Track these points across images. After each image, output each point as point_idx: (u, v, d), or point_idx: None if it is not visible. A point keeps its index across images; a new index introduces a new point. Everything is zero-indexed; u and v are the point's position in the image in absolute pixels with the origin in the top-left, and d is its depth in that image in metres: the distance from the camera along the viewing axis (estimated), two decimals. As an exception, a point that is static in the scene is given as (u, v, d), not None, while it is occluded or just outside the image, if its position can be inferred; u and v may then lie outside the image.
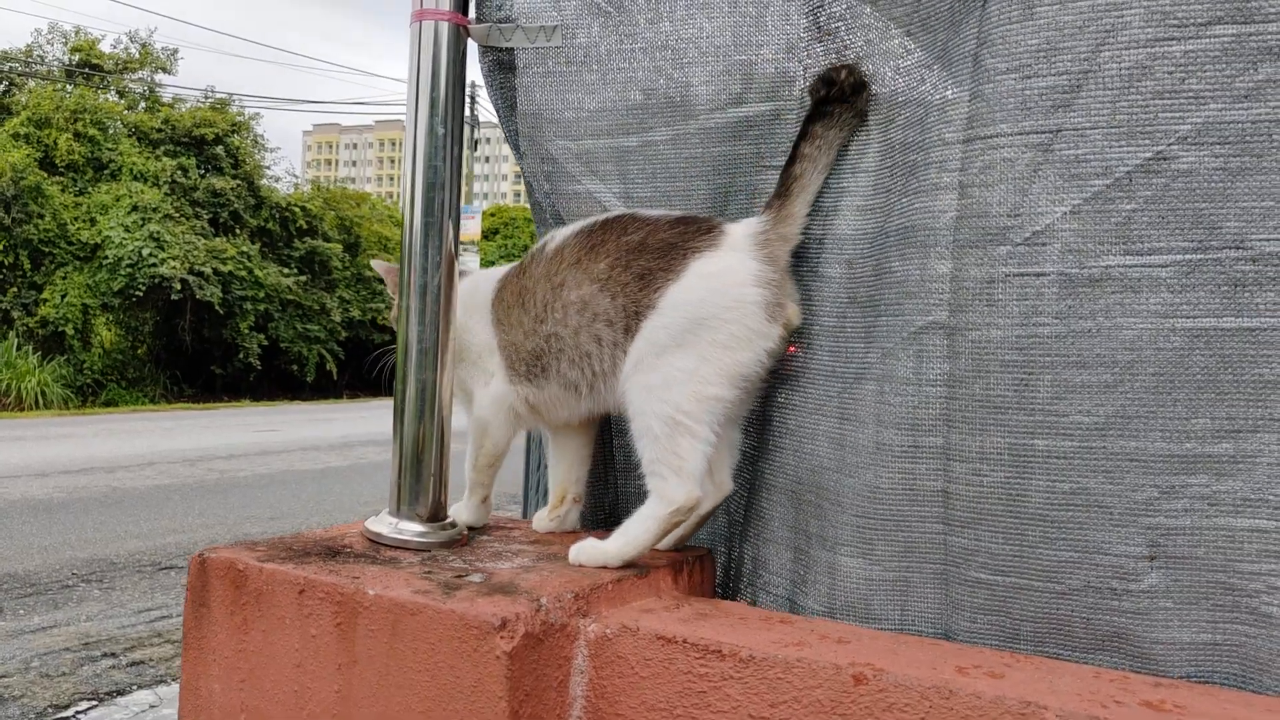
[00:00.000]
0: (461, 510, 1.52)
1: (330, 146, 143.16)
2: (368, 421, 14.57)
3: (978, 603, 1.14)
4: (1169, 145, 1.05)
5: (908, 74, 1.27)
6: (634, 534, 1.28)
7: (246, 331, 18.96)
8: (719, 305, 1.26)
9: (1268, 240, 1.02)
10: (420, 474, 1.38)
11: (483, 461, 1.52)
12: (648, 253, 1.32)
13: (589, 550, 1.29)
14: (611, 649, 1.14)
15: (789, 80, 1.37)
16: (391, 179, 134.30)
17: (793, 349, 1.42)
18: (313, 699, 1.19)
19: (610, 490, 1.56)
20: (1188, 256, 1.04)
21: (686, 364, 1.25)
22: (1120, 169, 1.07)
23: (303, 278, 20.31)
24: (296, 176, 25.98)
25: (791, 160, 1.31)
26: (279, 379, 20.44)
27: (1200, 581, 1.05)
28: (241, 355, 19.12)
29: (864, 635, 1.14)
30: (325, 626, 1.18)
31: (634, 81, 1.46)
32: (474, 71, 1.55)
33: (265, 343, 19.47)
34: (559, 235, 1.45)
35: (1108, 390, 1.07)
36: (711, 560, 1.43)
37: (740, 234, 1.30)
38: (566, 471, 1.56)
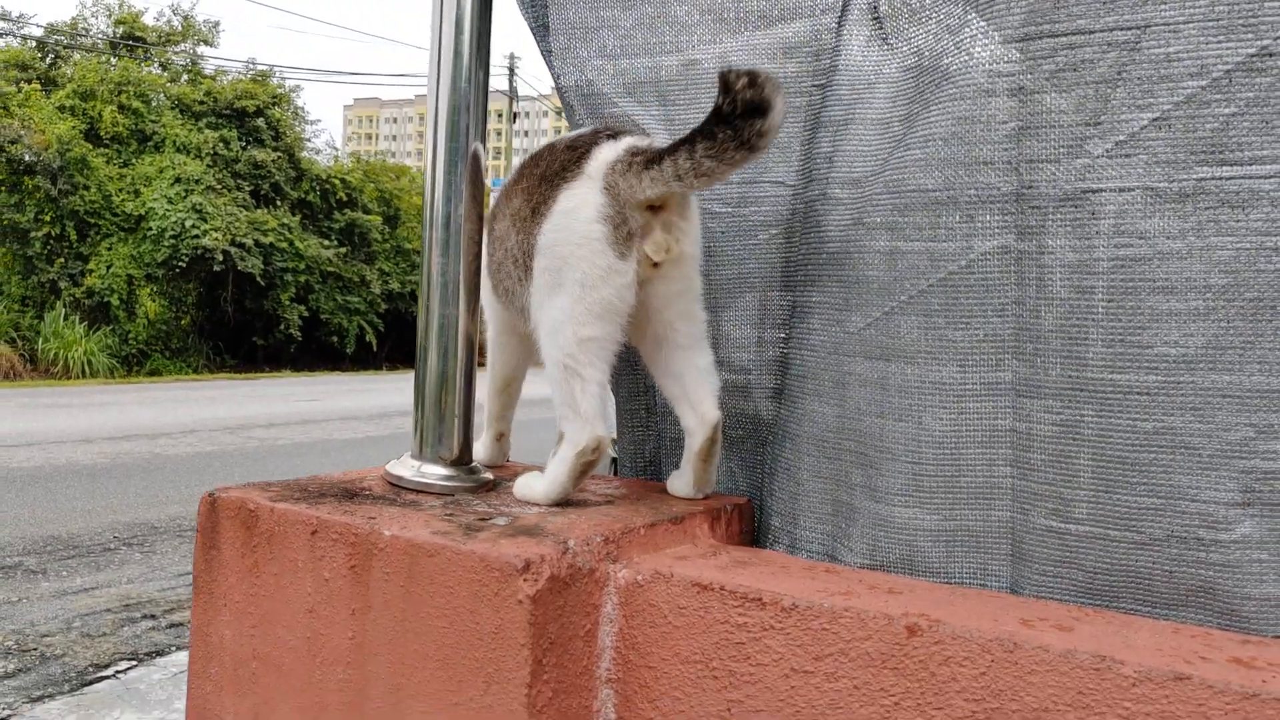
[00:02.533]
0: (478, 448, 1.47)
1: (371, 120, 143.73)
2: (405, 393, 14.57)
3: (1048, 553, 1.04)
4: (1276, 39, 0.92)
5: None
6: (552, 474, 1.25)
7: (287, 303, 19.07)
8: (572, 244, 1.20)
9: (1386, 145, 0.90)
10: (443, 414, 1.30)
11: (492, 387, 1.47)
12: (544, 184, 1.27)
13: (522, 485, 1.28)
14: (643, 596, 1.05)
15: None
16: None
17: None
18: (326, 646, 1.12)
19: (651, 437, 1.47)
20: (1293, 167, 0.92)
21: (564, 305, 1.21)
22: (1218, 68, 0.95)
23: (343, 249, 20.39)
24: (337, 149, 26.11)
25: None
26: (319, 350, 20.57)
27: (1300, 531, 0.93)
28: (282, 326, 19.24)
29: (916, 586, 1.05)
30: (339, 569, 1.11)
31: (673, -4, 1.35)
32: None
33: (306, 314, 19.59)
34: (515, 162, 1.40)
35: (1199, 318, 0.96)
36: (751, 509, 1.34)
37: (601, 160, 1.22)
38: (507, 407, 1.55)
